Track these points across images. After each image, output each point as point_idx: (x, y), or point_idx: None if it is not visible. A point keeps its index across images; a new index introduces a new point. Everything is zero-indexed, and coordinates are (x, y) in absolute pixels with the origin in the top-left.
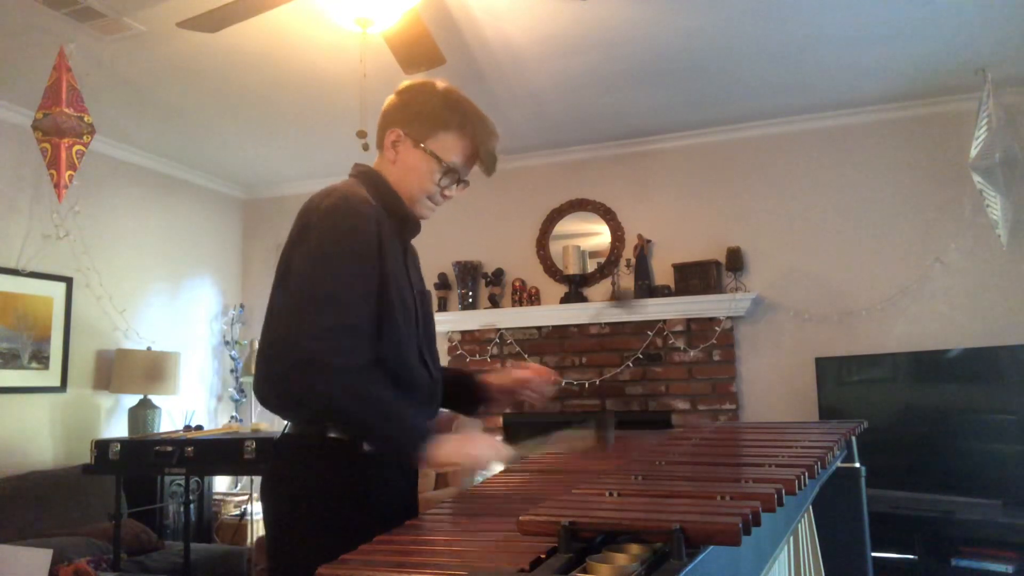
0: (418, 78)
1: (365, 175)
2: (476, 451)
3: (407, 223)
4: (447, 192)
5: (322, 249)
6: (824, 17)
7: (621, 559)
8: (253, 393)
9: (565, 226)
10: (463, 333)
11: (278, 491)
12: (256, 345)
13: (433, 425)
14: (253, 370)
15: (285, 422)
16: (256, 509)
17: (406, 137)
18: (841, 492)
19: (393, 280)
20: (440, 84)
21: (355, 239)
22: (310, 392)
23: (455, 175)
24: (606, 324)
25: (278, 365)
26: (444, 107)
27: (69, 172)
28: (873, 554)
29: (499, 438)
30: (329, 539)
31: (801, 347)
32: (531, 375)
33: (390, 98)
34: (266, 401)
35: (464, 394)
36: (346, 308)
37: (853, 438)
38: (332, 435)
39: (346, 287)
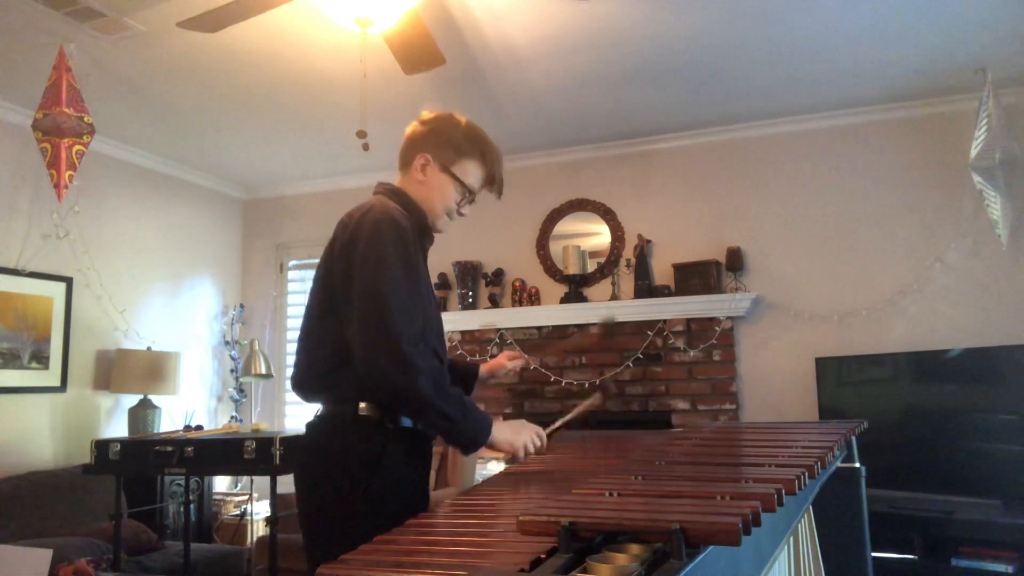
0: (439, 108)
1: (392, 192)
2: (525, 437)
3: (427, 235)
4: (463, 211)
5: (384, 262)
6: (824, 17)
7: (621, 559)
8: (292, 382)
9: (565, 226)
10: (463, 333)
11: (316, 460)
12: (256, 345)
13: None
14: (252, 370)
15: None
16: (256, 509)
17: (434, 161)
18: (841, 492)
19: (427, 283)
20: (462, 118)
21: (405, 249)
22: (405, 391)
23: (472, 197)
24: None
25: (384, 369)
26: (467, 139)
27: (69, 172)
28: (873, 554)
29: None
30: (362, 500)
31: (801, 347)
32: (504, 361)
33: (415, 125)
34: (312, 390)
35: (469, 380)
36: (419, 315)
37: (853, 438)
38: (362, 412)
39: (415, 296)
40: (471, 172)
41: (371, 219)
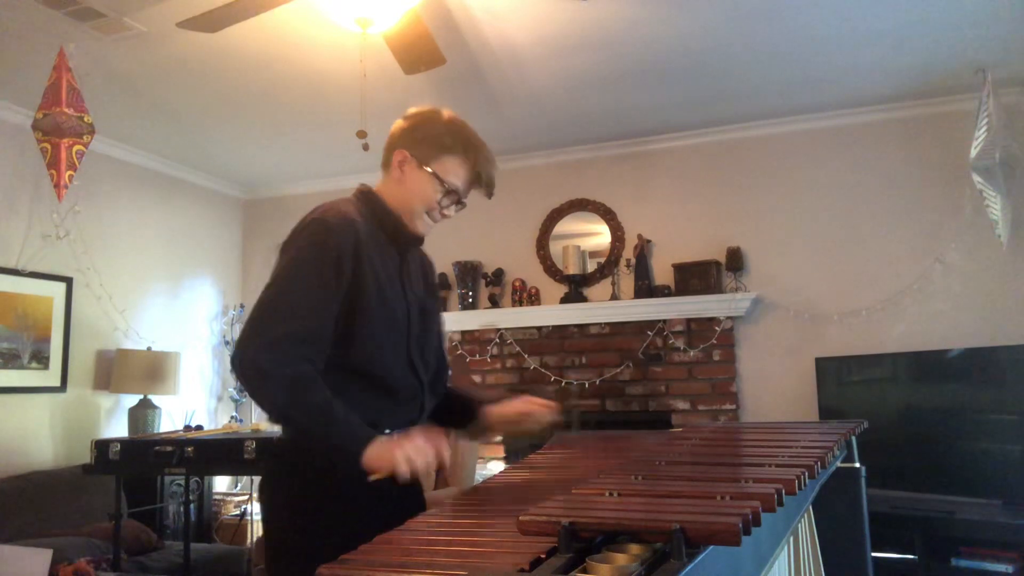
0: (424, 104)
1: (361, 194)
2: (406, 451)
3: (399, 236)
4: (446, 211)
5: (288, 263)
6: (824, 17)
7: (621, 559)
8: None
9: (565, 226)
10: (463, 333)
11: (269, 486)
12: None
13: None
14: None
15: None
16: (256, 509)
17: (412, 158)
18: (841, 492)
19: (373, 290)
20: (446, 112)
21: (320, 253)
22: (261, 399)
23: (455, 196)
24: (606, 324)
25: (238, 372)
26: (448, 133)
27: (69, 172)
28: (873, 554)
29: (443, 438)
30: (314, 530)
31: (801, 347)
32: (533, 408)
33: (398, 122)
34: None
35: (463, 416)
36: (298, 318)
37: (853, 438)
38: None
39: (302, 298)
40: (453, 170)
41: (304, 222)
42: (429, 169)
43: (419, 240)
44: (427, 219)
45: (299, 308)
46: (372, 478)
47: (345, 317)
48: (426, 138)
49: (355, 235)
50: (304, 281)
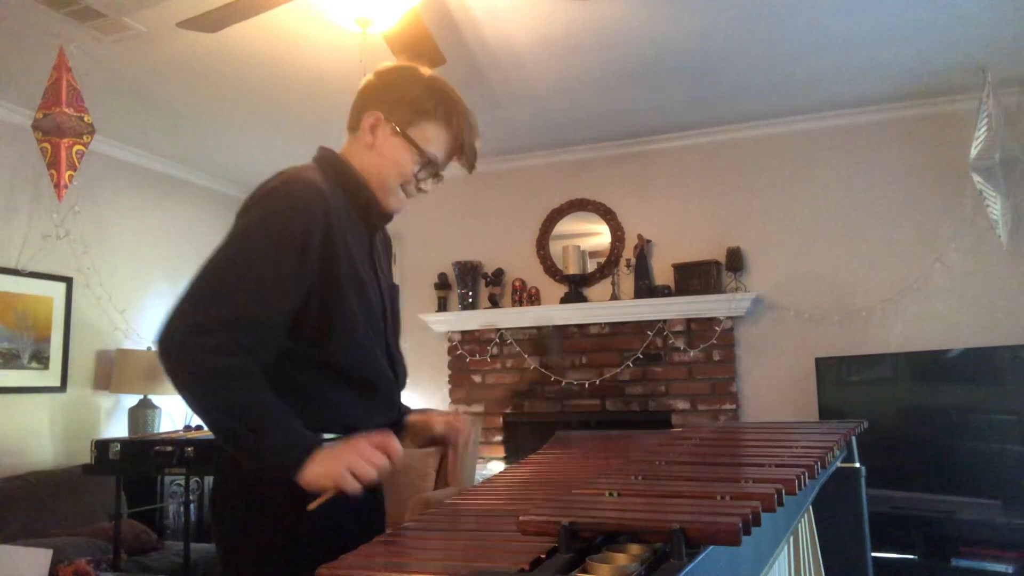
0: (402, 62)
1: (326, 159)
2: (347, 460)
3: (370, 211)
4: (422, 185)
5: (245, 233)
6: (824, 17)
7: (621, 559)
8: None
9: (565, 226)
10: (463, 333)
11: (217, 503)
12: None
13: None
14: None
15: None
16: None
17: (386, 122)
18: (841, 492)
19: (348, 273)
20: (426, 71)
21: (280, 229)
22: (183, 392)
23: (434, 168)
24: (606, 324)
25: (161, 358)
26: (430, 96)
27: (69, 172)
28: (873, 554)
29: (391, 435)
30: (269, 557)
31: (801, 347)
32: (448, 424)
33: (368, 78)
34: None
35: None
36: (242, 302)
37: (853, 438)
38: None
39: (249, 278)
40: (433, 137)
41: (266, 189)
42: (406, 135)
43: (390, 218)
44: (400, 193)
45: (244, 290)
46: (313, 505)
47: (319, 307)
48: (403, 99)
49: (324, 208)
50: (256, 258)
